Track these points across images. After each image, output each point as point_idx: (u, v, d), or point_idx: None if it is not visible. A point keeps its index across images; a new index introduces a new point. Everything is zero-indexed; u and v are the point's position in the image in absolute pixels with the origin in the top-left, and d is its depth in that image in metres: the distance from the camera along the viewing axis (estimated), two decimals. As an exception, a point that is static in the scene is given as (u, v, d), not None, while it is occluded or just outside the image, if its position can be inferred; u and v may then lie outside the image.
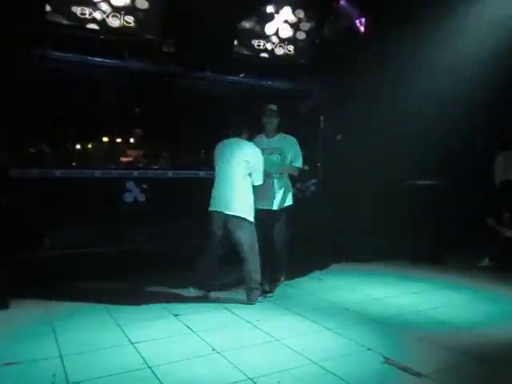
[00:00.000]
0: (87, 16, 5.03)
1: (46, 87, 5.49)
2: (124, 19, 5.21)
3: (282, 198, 4.44)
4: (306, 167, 7.17)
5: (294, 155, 4.46)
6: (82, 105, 5.96)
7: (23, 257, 4.63)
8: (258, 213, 4.23)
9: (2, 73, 4.72)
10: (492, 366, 2.97)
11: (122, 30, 5.25)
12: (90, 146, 6.53)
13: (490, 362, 3.02)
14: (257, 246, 4.15)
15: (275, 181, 4.39)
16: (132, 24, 5.26)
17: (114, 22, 5.17)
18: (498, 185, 5.85)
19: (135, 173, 5.74)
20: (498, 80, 6.02)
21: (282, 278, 4.77)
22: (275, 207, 4.41)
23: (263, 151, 4.24)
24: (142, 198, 5.67)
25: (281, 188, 4.43)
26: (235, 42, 5.96)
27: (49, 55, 5.24)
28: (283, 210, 4.48)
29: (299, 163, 4.49)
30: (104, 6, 5.10)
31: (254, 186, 4.16)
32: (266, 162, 4.22)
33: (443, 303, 4.28)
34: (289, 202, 4.53)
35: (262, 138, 4.56)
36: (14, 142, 5.28)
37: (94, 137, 6.54)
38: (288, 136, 4.55)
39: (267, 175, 4.25)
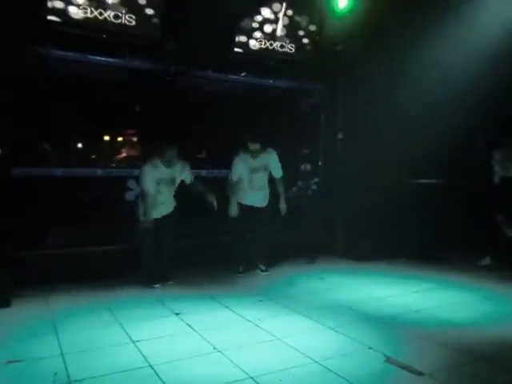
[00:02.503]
0: (89, 15, 5.03)
1: (47, 86, 5.49)
2: (125, 18, 5.20)
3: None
4: (308, 166, 7.21)
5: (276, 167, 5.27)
6: (83, 104, 5.96)
7: (24, 255, 4.64)
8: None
9: (4, 72, 4.72)
10: (493, 365, 2.97)
11: (123, 28, 5.24)
12: (91, 144, 6.53)
13: (492, 361, 3.02)
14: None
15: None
16: (133, 23, 5.25)
17: (116, 21, 5.17)
18: (497, 181, 5.82)
19: (136, 171, 5.73)
20: (497, 78, 6.02)
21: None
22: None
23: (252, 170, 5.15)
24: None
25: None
26: (236, 41, 5.95)
27: (50, 54, 5.24)
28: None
29: (280, 173, 5.29)
30: (105, 5, 5.09)
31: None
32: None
33: (445, 302, 4.27)
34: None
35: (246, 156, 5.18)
36: (16, 140, 5.28)
37: (95, 136, 6.54)
38: (270, 151, 5.25)
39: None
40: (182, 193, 5.32)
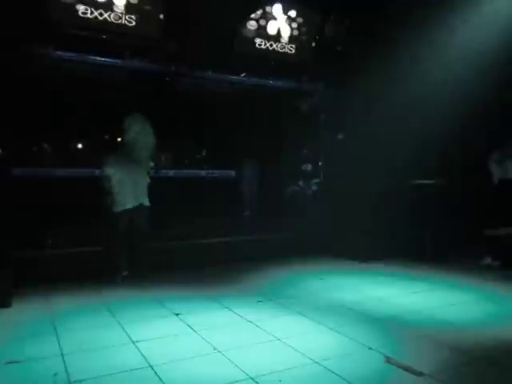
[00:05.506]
0: (89, 15, 5.03)
1: (47, 86, 5.50)
2: (125, 18, 5.20)
3: None
4: (309, 166, 7.23)
5: None
6: (83, 104, 5.97)
7: (25, 256, 4.64)
8: None
9: (4, 72, 4.72)
10: (493, 366, 2.97)
11: (123, 29, 5.24)
12: (91, 144, 6.54)
13: (491, 361, 3.02)
14: None
15: None
16: (133, 23, 5.26)
17: (116, 22, 5.17)
18: (495, 182, 5.80)
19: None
20: (496, 79, 6.02)
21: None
22: None
23: None
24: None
25: None
26: (236, 42, 5.95)
27: (50, 54, 5.24)
28: None
29: None
30: (105, 6, 5.09)
31: None
32: None
33: (444, 302, 4.27)
34: None
35: None
36: (16, 141, 5.29)
37: (94, 136, 6.54)
38: None
39: None
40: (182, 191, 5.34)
